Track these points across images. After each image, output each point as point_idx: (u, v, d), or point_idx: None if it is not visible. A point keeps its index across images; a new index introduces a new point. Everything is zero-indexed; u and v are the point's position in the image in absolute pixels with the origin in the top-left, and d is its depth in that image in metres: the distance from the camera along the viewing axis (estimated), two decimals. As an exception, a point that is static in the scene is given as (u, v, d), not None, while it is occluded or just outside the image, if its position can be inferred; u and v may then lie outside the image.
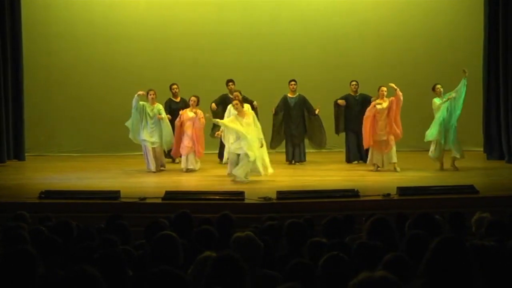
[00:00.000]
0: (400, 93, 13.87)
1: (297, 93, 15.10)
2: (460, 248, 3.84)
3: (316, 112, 14.87)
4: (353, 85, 15.39)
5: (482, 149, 15.89)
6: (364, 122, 13.96)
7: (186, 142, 13.90)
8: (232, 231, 6.69)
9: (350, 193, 11.21)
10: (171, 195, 11.04)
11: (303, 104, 14.99)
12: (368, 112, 13.97)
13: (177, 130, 14.14)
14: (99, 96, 16.47)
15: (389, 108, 13.91)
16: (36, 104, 16.52)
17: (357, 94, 15.37)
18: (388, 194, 11.09)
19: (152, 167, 13.89)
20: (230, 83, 15.29)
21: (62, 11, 17.00)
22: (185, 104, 14.83)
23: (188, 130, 13.94)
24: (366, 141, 13.95)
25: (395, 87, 13.88)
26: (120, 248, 5.54)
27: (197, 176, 13.70)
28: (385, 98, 14.00)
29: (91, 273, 3.49)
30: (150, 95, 14.07)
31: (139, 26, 17.04)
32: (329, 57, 17.15)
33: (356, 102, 15.22)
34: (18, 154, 15.66)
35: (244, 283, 4.41)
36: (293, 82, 15.12)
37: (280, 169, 14.04)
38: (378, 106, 13.92)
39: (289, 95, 15.13)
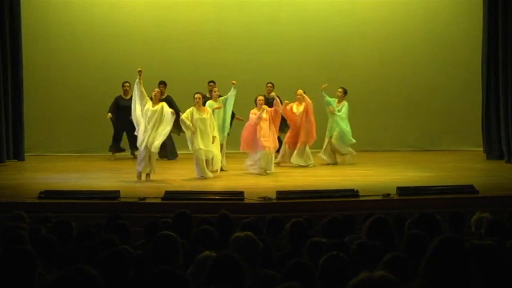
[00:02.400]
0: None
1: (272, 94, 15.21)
2: (459, 248, 3.84)
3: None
4: (268, 86, 15.41)
5: (482, 149, 15.89)
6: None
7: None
8: (231, 230, 6.69)
9: (350, 193, 11.20)
10: (171, 195, 11.03)
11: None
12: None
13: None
14: (99, 96, 16.46)
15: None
16: (36, 104, 16.53)
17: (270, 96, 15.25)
18: (388, 194, 11.08)
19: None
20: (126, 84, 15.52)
21: (61, 11, 17.00)
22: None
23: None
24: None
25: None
26: (120, 248, 5.53)
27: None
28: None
29: (89, 273, 3.49)
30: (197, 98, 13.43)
31: (138, 26, 17.04)
32: (329, 57, 17.14)
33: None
34: (18, 154, 15.65)
35: (244, 283, 4.42)
36: (269, 84, 15.35)
37: (280, 169, 14.05)
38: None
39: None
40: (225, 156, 14.29)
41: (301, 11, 17.19)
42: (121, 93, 15.76)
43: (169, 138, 14.45)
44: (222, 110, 14.07)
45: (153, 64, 16.86)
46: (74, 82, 16.90)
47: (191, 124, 12.98)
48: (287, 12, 17.22)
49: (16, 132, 15.53)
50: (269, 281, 4.99)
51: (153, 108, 12.73)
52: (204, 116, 13.13)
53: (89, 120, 16.84)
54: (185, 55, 17.02)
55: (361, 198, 11.04)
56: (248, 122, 13.78)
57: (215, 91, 14.10)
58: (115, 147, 15.94)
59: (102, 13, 17.05)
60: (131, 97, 13.56)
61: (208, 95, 14.73)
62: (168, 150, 15.53)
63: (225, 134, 14.25)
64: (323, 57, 17.12)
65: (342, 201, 10.88)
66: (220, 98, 14.16)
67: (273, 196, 10.97)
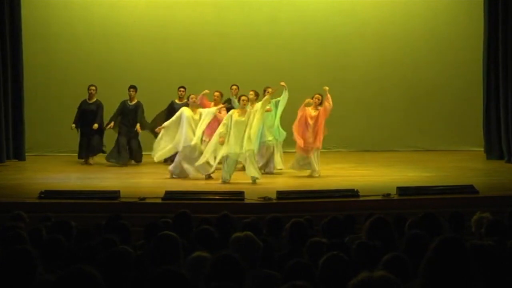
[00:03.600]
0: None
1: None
2: (460, 248, 3.84)
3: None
4: (233, 89, 14.89)
5: (482, 149, 15.90)
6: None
7: None
8: (232, 231, 6.69)
9: (350, 193, 11.20)
10: (171, 195, 11.03)
11: None
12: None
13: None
14: (99, 96, 16.43)
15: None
16: (36, 104, 16.52)
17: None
18: (388, 194, 11.08)
19: None
20: (131, 89, 15.25)
21: (62, 11, 17.00)
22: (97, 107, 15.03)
23: None
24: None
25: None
26: (120, 248, 5.53)
27: (197, 175, 13.68)
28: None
29: (90, 273, 3.49)
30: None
31: (138, 26, 17.04)
32: (329, 57, 17.14)
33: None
34: (18, 154, 15.65)
35: (244, 283, 4.42)
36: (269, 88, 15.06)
37: (280, 169, 14.03)
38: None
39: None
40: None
41: (301, 11, 17.18)
42: (127, 92, 15.43)
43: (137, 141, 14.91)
44: (273, 112, 13.77)
45: (153, 64, 16.89)
46: (74, 82, 16.88)
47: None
48: (287, 12, 17.21)
49: (16, 132, 15.53)
50: (269, 281, 4.99)
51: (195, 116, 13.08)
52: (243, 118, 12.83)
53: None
54: (185, 55, 17.01)
55: (361, 198, 11.04)
56: (297, 121, 13.56)
57: (243, 100, 13.12)
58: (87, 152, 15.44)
59: (102, 13, 17.05)
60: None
61: (233, 100, 14.76)
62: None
63: (277, 137, 13.95)
64: (323, 57, 17.11)
65: (342, 201, 10.88)
66: (273, 100, 13.97)
67: (273, 196, 10.97)
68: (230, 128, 12.67)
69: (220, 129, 12.81)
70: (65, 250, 5.82)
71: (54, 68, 16.96)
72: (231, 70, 16.56)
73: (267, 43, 17.13)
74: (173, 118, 13.51)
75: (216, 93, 14.18)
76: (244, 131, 12.67)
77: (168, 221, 7.48)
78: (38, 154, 16.51)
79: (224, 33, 17.05)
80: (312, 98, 13.58)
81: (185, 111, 13.38)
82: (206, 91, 14.16)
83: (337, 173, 13.81)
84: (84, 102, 15.44)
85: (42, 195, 11.05)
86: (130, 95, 15.26)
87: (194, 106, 13.50)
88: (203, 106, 13.86)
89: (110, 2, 17.15)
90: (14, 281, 4.19)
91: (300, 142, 13.32)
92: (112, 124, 15.08)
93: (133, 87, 15.28)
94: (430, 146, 16.92)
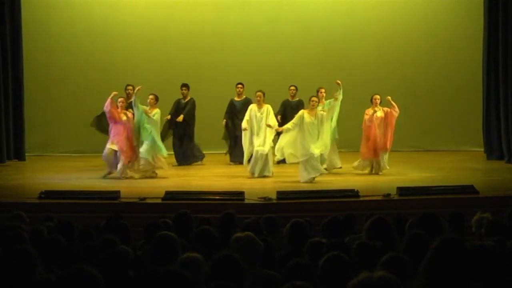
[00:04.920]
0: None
1: (297, 98, 15.12)
2: (460, 249, 3.84)
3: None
4: (291, 89, 15.22)
5: (482, 149, 15.90)
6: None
7: None
8: (233, 231, 6.69)
9: (350, 193, 11.20)
10: (171, 195, 11.02)
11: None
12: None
13: None
14: (99, 96, 16.40)
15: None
16: (36, 104, 16.53)
17: (295, 99, 15.19)
18: (388, 194, 11.08)
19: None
20: (184, 88, 15.25)
21: (62, 11, 17.02)
22: None
23: None
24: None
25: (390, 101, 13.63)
26: (120, 248, 5.53)
27: (197, 176, 13.70)
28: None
29: (90, 273, 3.49)
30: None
31: (138, 26, 17.05)
32: (329, 57, 17.14)
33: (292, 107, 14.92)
34: (19, 154, 15.66)
35: (244, 283, 4.42)
36: (292, 87, 15.17)
37: (280, 169, 14.04)
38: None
39: (289, 99, 15.18)
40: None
41: (301, 11, 17.19)
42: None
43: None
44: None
45: (153, 64, 16.90)
46: (74, 82, 16.90)
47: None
48: (287, 12, 17.22)
49: (16, 132, 15.54)
50: (269, 281, 4.99)
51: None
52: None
53: (89, 120, 16.78)
54: (185, 55, 17.02)
55: (361, 199, 11.04)
56: (365, 124, 13.64)
57: (312, 100, 12.98)
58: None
59: (102, 13, 17.06)
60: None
61: (290, 99, 15.00)
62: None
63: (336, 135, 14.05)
64: (323, 57, 17.12)
65: (343, 201, 10.88)
66: (327, 101, 13.95)
67: (274, 196, 10.97)
68: (303, 130, 12.70)
69: (288, 125, 12.92)
70: (65, 250, 5.82)
71: (54, 68, 16.97)
72: (231, 70, 16.57)
73: (267, 43, 17.13)
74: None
75: (151, 96, 13.72)
76: (318, 133, 12.82)
77: (168, 221, 7.47)
78: (38, 154, 16.53)
79: (224, 33, 17.06)
80: (317, 93, 13.77)
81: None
82: (115, 92, 13.52)
83: (337, 173, 13.81)
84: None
85: (42, 195, 11.05)
86: (182, 94, 15.23)
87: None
88: (112, 112, 13.25)
89: (110, 2, 17.15)
90: (14, 281, 4.19)
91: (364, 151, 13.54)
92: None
93: (185, 85, 15.28)
94: (430, 146, 16.92)
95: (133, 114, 13.40)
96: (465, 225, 7.25)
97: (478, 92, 15.99)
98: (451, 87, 17.16)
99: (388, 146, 13.60)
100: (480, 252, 4.30)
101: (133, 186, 12.26)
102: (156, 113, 13.55)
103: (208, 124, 15.78)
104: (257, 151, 13.22)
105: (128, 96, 14.21)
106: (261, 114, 13.53)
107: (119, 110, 13.28)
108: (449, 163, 14.88)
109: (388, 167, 13.42)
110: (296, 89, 15.20)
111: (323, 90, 14.14)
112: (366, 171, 13.66)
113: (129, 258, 5.27)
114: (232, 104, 15.15)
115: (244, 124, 13.58)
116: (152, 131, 13.34)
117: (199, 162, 15.25)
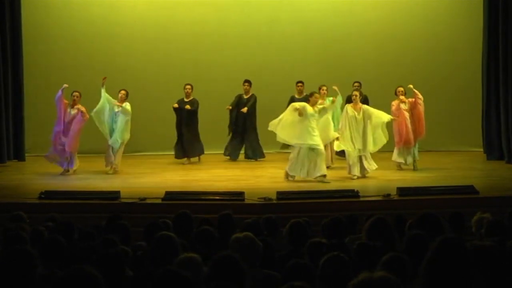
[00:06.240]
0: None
1: (304, 94, 15.10)
2: (460, 249, 3.84)
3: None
4: (298, 86, 15.31)
5: (482, 149, 15.89)
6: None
7: None
8: (232, 231, 6.69)
9: (350, 194, 11.21)
10: (171, 196, 11.03)
11: None
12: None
13: None
14: (99, 96, 16.45)
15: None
16: (36, 104, 16.51)
17: (302, 96, 15.18)
18: (388, 195, 11.08)
19: None
20: (246, 84, 15.43)
21: (62, 12, 17.00)
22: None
23: None
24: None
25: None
26: (120, 248, 5.53)
27: (197, 176, 13.70)
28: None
29: (90, 273, 3.49)
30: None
31: (138, 26, 17.04)
32: (329, 57, 17.13)
33: None
34: (18, 154, 15.66)
35: (244, 283, 4.42)
36: (300, 84, 15.20)
37: (280, 169, 14.03)
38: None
39: (296, 96, 15.17)
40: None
41: (301, 11, 17.18)
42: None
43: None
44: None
45: (153, 65, 16.89)
46: (74, 82, 16.83)
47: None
48: (287, 13, 17.21)
49: (16, 133, 15.54)
50: (269, 281, 4.99)
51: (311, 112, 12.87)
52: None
53: (89, 120, 16.81)
54: (186, 55, 17.01)
55: (361, 199, 11.04)
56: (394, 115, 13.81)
57: (316, 96, 13.10)
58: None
59: (102, 14, 17.04)
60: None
61: (297, 95, 15.03)
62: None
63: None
64: (323, 57, 17.11)
65: (343, 201, 10.88)
66: (329, 98, 14.12)
67: (274, 196, 10.97)
68: (349, 125, 12.98)
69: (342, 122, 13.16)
70: (65, 250, 5.82)
71: (54, 68, 16.94)
72: (231, 70, 16.56)
73: (267, 43, 17.12)
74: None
75: (123, 92, 14.15)
76: (363, 128, 13.07)
77: (168, 222, 7.48)
78: (38, 154, 16.49)
79: (224, 33, 17.05)
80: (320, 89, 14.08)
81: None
82: (65, 85, 13.97)
83: (337, 173, 13.80)
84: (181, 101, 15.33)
85: (42, 196, 11.06)
86: (245, 89, 15.42)
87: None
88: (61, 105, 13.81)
89: (110, 3, 17.14)
90: (14, 281, 4.19)
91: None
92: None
93: (247, 81, 15.44)
94: (430, 146, 16.90)
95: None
96: (465, 225, 7.25)
97: (478, 92, 15.99)
98: (451, 87, 17.14)
99: (422, 131, 14.00)
100: (480, 252, 4.30)
101: (133, 186, 12.25)
102: (126, 104, 14.12)
103: (209, 124, 15.77)
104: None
105: (121, 100, 14.37)
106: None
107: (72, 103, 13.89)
108: (449, 163, 14.88)
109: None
110: (303, 85, 15.23)
111: (325, 88, 14.30)
112: (402, 160, 13.86)
113: (129, 259, 5.27)
114: (240, 97, 15.42)
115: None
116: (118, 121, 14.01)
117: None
